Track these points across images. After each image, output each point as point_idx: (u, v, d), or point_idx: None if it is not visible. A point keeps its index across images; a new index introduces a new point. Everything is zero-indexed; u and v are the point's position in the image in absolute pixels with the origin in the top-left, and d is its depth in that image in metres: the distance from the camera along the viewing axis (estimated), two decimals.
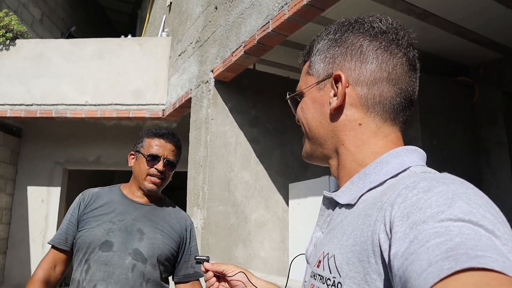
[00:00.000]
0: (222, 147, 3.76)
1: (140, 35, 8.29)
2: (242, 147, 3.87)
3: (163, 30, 5.83)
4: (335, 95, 0.75)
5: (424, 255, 0.46)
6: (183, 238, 1.98)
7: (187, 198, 3.96)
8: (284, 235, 3.98)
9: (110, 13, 11.08)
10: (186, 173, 4.07)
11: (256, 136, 3.98)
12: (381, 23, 0.76)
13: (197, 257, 1.13)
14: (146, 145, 1.92)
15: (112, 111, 5.43)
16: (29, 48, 5.88)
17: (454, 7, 3.37)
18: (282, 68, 4.48)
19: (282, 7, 2.80)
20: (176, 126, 6.27)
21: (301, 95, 0.83)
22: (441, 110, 4.19)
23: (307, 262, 0.79)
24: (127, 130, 6.33)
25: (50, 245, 1.88)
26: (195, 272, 2.00)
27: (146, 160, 1.88)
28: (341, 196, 0.73)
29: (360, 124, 0.74)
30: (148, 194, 1.93)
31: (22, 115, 5.66)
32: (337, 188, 0.79)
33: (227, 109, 3.84)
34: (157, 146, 1.90)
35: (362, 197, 0.69)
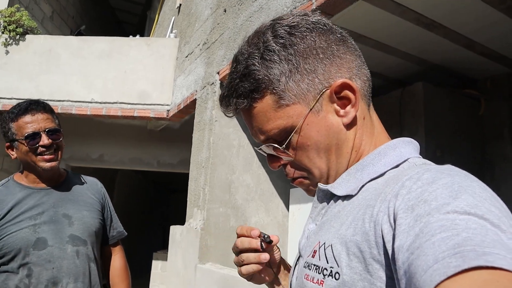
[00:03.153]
0: (225, 149, 3.75)
1: (148, 36, 8.33)
2: (244, 150, 3.86)
3: (171, 32, 5.86)
4: (342, 106, 0.70)
5: (430, 250, 0.45)
6: (103, 203, 1.93)
7: (188, 199, 3.95)
8: (283, 240, 3.95)
9: (120, 14, 11.15)
10: (184, 174, 4.07)
11: None
12: (308, 18, 0.72)
13: (265, 236, 0.89)
14: (17, 129, 1.69)
15: (117, 110, 5.45)
16: (38, 43, 5.91)
17: (464, 19, 3.35)
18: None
19: (291, 11, 2.80)
20: (179, 127, 6.28)
21: (293, 132, 0.69)
22: (446, 121, 4.17)
23: (300, 255, 0.76)
24: (131, 129, 6.34)
25: None
26: (117, 233, 1.97)
27: (26, 143, 1.67)
28: (337, 188, 0.70)
29: (364, 118, 0.72)
30: (50, 175, 1.77)
31: None
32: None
33: None
34: (28, 123, 1.68)
35: (363, 188, 0.67)
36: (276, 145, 0.71)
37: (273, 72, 0.68)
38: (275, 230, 3.93)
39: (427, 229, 0.47)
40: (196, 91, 4.30)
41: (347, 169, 0.72)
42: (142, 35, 8.29)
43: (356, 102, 0.69)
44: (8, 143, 1.75)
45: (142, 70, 5.56)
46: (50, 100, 5.62)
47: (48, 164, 1.70)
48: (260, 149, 0.75)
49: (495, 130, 4.35)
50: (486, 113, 4.43)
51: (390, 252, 0.52)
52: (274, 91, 0.69)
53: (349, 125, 0.70)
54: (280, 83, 0.68)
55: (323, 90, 0.69)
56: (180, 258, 3.89)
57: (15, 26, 5.88)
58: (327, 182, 0.73)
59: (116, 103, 5.47)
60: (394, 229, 0.52)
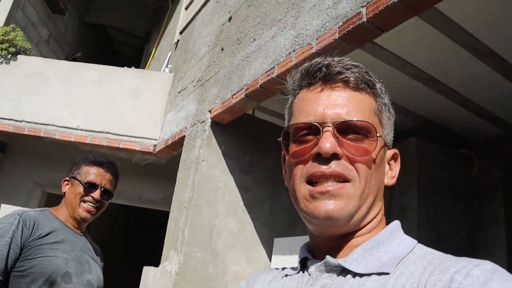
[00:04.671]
0: (210, 191, 3.57)
1: (144, 69, 8.28)
2: (231, 193, 3.69)
3: (166, 66, 5.79)
4: (390, 170, 0.77)
5: None
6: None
7: (165, 239, 3.73)
8: None
9: (118, 45, 11.17)
10: (166, 212, 3.86)
11: (247, 183, 3.80)
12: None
13: None
14: (84, 172, 1.90)
15: (103, 139, 5.27)
16: (30, 65, 5.79)
17: (461, 77, 3.32)
18: (280, 118, 4.38)
19: (290, 53, 2.73)
20: (165, 163, 6.09)
21: (374, 136, 0.71)
22: (439, 180, 4.06)
23: None
24: (115, 161, 6.13)
25: None
26: None
27: (83, 187, 1.85)
28: (354, 264, 0.66)
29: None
30: (79, 224, 1.89)
31: (10, 130, 5.47)
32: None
33: (220, 152, 3.69)
34: (95, 174, 1.89)
35: (388, 266, 0.66)
36: (371, 130, 0.71)
37: (384, 97, 0.76)
38: None
39: None
40: (186, 127, 4.17)
41: (363, 211, 0.71)
42: (137, 67, 8.24)
43: (396, 176, 0.76)
44: (68, 178, 1.94)
45: (131, 102, 5.43)
46: (33, 123, 5.44)
47: (84, 214, 1.86)
48: (337, 123, 0.70)
49: (488, 191, 4.25)
50: (479, 174, 4.34)
51: None
52: (378, 103, 0.74)
53: (382, 191, 0.74)
54: (384, 106, 0.75)
55: (391, 147, 0.77)
56: None
57: (7, 45, 5.77)
58: (348, 209, 0.68)
59: (102, 132, 5.30)
60: None
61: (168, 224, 3.78)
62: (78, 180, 1.88)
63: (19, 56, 5.84)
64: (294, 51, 2.69)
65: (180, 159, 4.03)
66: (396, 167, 0.77)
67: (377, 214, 0.74)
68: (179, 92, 4.83)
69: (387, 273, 0.64)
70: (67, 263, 1.74)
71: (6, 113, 5.53)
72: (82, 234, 1.94)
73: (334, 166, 0.68)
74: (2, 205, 6.30)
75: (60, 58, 7.76)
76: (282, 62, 2.78)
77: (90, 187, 1.86)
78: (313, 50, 2.47)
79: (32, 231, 1.69)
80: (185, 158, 3.91)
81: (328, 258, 0.69)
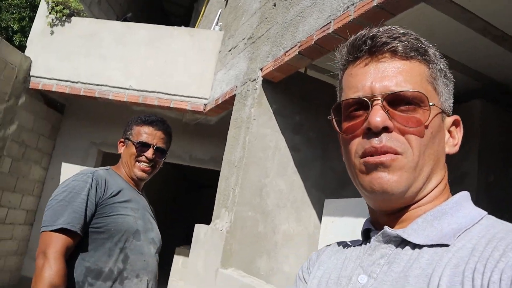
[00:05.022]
0: (260, 150, 3.55)
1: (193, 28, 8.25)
2: (280, 153, 3.65)
3: (216, 24, 5.71)
4: (451, 137, 0.73)
5: None
6: None
7: (216, 198, 3.77)
8: (312, 251, 3.71)
9: (167, 5, 11.16)
10: (214, 171, 3.89)
11: (297, 143, 3.74)
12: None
13: None
14: (135, 133, 1.91)
15: (154, 99, 5.34)
16: (83, 26, 5.90)
17: None
18: (333, 77, 4.23)
19: (348, 7, 2.57)
20: (215, 123, 6.13)
21: (426, 106, 0.67)
22: (503, 144, 3.82)
23: None
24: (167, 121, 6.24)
25: (53, 230, 1.58)
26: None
27: (136, 147, 1.87)
28: (413, 235, 0.64)
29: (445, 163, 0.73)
30: (136, 182, 1.92)
31: (67, 91, 5.67)
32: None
33: (271, 111, 3.63)
34: (146, 133, 1.89)
35: (449, 239, 0.62)
36: (422, 99, 0.68)
37: (439, 62, 0.72)
38: (304, 241, 3.70)
39: None
40: (236, 86, 4.12)
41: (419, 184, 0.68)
42: (187, 26, 8.22)
43: (459, 144, 0.72)
44: (123, 139, 1.95)
45: (182, 61, 5.43)
46: (88, 84, 5.59)
47: (140, 173, 1.88)
48: (386, 95, 0.68)
49: None
50: None
51: None
52: (432, 70, 0.71)
53: (444, 158, 0.71)
54: (439, 72, 0.71)
55: (451, 114, 0.72)
56: (202, 259, 3.71)
57: (62, 7, 5.88)
58: (402, 179, 0.66)
59: (153, 92, 5.37)
60: None
61: (218, 183, 3.82)
62: (131, 140, 1.90)
63: (73, 18, 5.95)
64: (352, 4, 2.53)
65: (230, 119, 4.01)
66: (458, 133, 0.73)
67: (438, 184, 0.70)
68: (230, 51, 4.76)
69: (447, 245, 0.61)
70: (136, 221, 1.78)
71: (63, 75, 5.70)
72: (141, 193, 1.97)
73: (385, 140, 0.66)
74: (63, 163, 6.63)
75: (111, 19, 7.86)
76: (339, 17, 2.63)
77: (142, 146, 1.87)
78: (374, 3, 2.31)
79: (104, 189, 1.74)
80: (235, 117, 3.88)
81: (386, 228, 0.68)
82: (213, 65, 5.27)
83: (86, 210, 1.65)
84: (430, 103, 0.67)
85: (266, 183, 3.55)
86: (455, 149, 0.72)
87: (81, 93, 5.60)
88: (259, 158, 3.53)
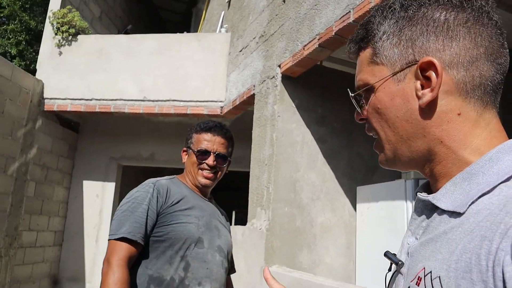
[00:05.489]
0: (288, 146, 3.58)
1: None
2: (308, 147, 3.68)
3: (221, 26, 5.73)
4: (423, 86, 0.63)
5: None
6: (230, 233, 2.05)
7: (249, 198, 3.81)
8: (350, 240, 3.74)
9: (164, 13, 11.17)
10: (237, 172, 3.92)
11: (322, 135, 3.77)
12: None
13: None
14: (195, 141, 1.91)
15: (170, 107, 5.38)
16: (89, 43, 5.94)
17: None
18: (349, 66, 4.25)
19: None
20: (232, 124, 6.16)
21: (370, 90, 0.70)
22: None
23: (398, 271, 0.68)
24: (182, 127, 6.27)
25: (116, 239, 1.63)
26: (231, 264, 2.05)
27: (196, 156, 1.88)
28: (441, 200, 0.62)
29: (459, 114, 0.63)
30: (202, 190, 1.92)
31: (82, 110, 5.71)
32: (421, 190, 0.71)
33: (294, 106, 3.66)
34: (205, 140, 1.89)
35: (472, 205, 0.57)
36: (355, 96, 0.73)
37: (381, 28, 0.69)
38: (341, 230, 3.73)
39: None
40: (254, 85, 4.15)
41: (407, 151, 0.68)
42: (188, 32, 8.25)
43: (435, 87, 0.62)
44: (185, 148, 1.97)
45: (193, 67, 5.46)
46: (103, 100, 5.63)
47: (204, 181, 1.88)
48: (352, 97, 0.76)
49: None
50: None
51: None
52: (373, 46, 0.69)
53: (426, 112, 0.64)
54: (381, 40, 0.68)
55: (412, 63, 0.65)
56: (242, 260, 3.75)
57: (67, 27, 5.92)
58: (387, 156, 0.71)
59: (168, 100, 5.40)
60: None
61: (250, 182, 3.85)
62: (191, 149, 1.91)
63: (79, 36, 5.98)
64: None
65: (245, 119, 4.04)
66: (430, 79, 0.64)
67: (455, 145, 0.63)
68: (240, 51, 4.79)
69: (459, 213, 0.58)
70: (199, 228, 1.77)
71: (76, 93, 5.75)
72: (208, 200, 1.96)
73: (367, 128, 0.74)
74: (84, 181, 6.68)
75: (113, 33, 7.90)
76: (359, 6, 2.65)
77: (203, 154, 1.87)
78: None
79: (166, 198, 1.75)
80: (258, 116, 3.91)
81: (419, 194, 0.68)
82: (224, 67, 5.29)
83: (147, 219, 1.69)
84: (370, 84, 0.70)
85: (298, 178, 3.58)
86: (424, 99, 0.63)
87: (97, 110, 5.65)
88: (288, 154, 3.57)
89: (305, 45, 3.25)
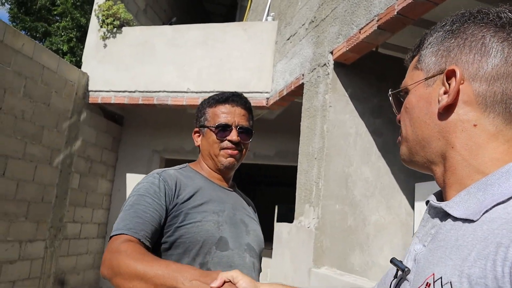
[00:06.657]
0: (340, 138, 3.31)
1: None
2: (362, 139, 3.40)
3: (267, 15, 5.52)
4: (445, 93, 0.67)
5: None
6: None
7: (297, 194, 3.58)
8: (407, 241, 3.44)
9: (208, 5, 11.10)
10: (273, 166, 3.68)
11: (378, 127, 3.48)
12: (510, 13, 0.66)
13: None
14: (211, 116, 1.57)
15: None
16: (134, 35, 5.89)
17: None
18: (407, 53, 3.92)
19: None
20: (276, 117, 5.94)
21: (406, 92, 0.75)
22: None
23: (403, 278, 0.69)
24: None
25: (117, 236, 1.26)
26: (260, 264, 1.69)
27: (215, 133, 1.54)
28: (454, 208, 0.63)
29: (475, 125, 0.65)
30: (225, 173, 1.59)
31: (125, 102, 5.67)
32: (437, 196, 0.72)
33: (347, 95, 3.39)
34: (224, 113, 1.55)
35: (486, 214, 0.57)
36: (394, 97, 0.80)
37: (429, 39, 0.74)
38: (397, 230, 3.43)
39: None
40: (303, 74, 3.90)
41: (422, 152, 0.72)
42: None
43: (451, 93, 0.65)
44: (197, 128, 1.63)
45: (238, 57, 5.28)
46: (146, 92, 5.56)
47: (228, 161, 1.55)
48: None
49: None
50: None
51: None
52: (420, 54, 0.75)
53: (443, 117, 0.67)
54: (426, 49, 0.73)
55: (443, 71, 0.69)
56: (289, 260, 3.53)
57: (112, 19, 5.89)
58: (403, 154, 0.76)
59: (212, 92, 5.23)
60: None
61: (297, 177, 3.62)
62: (207, 127, 1.57)
63: (123, 29, 5.95)
64: None
65: (292, 111, 3.80)
66: (450, 85, 0.67)
67: (470, 155, 0.65)
68: (288, 39, 4.55)
69: (472, 221, 0.59)
70: (219, 226, 1.44)
71: (120, 86, 5.71)
72: (231, 189, 1.62)
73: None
74: (127, 174, 6.68)
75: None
76: None
77: (223, 130, 1.54)
78: None
79: (175, 192, 1.42)
80: (307, 107, 3.67)
81: (431, 200, 0.70)
82: (270, 57, 5.08)
83: (154, 218, 1.35)
84: (406, 86, 0.75)
85: (350, 173, 3.31)
86: (441, 104, 0.67)
87: (140, 102, 5.58)
88: (340, 147, 3.30)
89: (362, 28, 2.97)
